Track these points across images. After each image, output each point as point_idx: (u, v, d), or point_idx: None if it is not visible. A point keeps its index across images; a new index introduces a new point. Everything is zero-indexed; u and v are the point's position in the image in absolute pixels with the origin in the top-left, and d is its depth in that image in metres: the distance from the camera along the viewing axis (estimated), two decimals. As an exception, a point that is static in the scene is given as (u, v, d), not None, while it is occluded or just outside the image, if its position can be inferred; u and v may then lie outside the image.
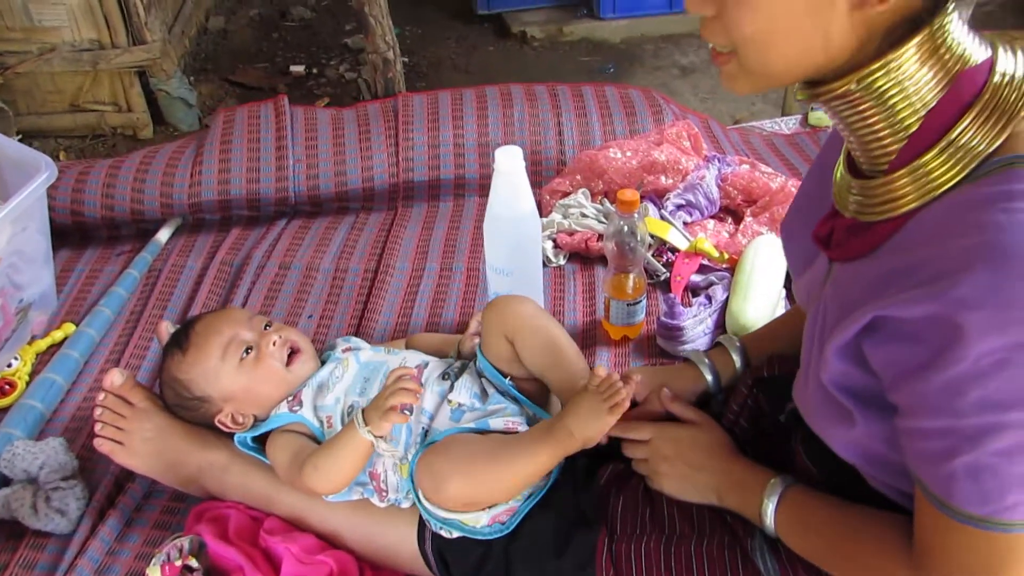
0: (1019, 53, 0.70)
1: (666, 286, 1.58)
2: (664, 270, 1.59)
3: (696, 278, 1.57)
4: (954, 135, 0.68)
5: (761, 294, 1.45)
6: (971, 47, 0.69)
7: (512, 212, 1.33)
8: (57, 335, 1.53)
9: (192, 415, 1.16)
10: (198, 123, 3.27)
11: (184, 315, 1.58)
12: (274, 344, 1.13)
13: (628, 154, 1.76)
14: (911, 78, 0.68)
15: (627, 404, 0.95)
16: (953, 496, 0.67)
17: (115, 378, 1.19)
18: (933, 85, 0.68)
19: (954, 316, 0.62)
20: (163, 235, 1.81)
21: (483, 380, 1.10)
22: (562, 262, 1.65)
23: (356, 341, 1.23)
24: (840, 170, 0.81)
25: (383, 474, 1.06)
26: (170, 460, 1.17)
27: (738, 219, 1.74)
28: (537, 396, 1.10)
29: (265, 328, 1.16)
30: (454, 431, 1.01)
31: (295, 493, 1.12)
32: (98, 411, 1.18)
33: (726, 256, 1.58)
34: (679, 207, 1.69)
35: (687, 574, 0.94)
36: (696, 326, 1.42)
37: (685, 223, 1.69)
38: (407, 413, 1.01)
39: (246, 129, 1.85)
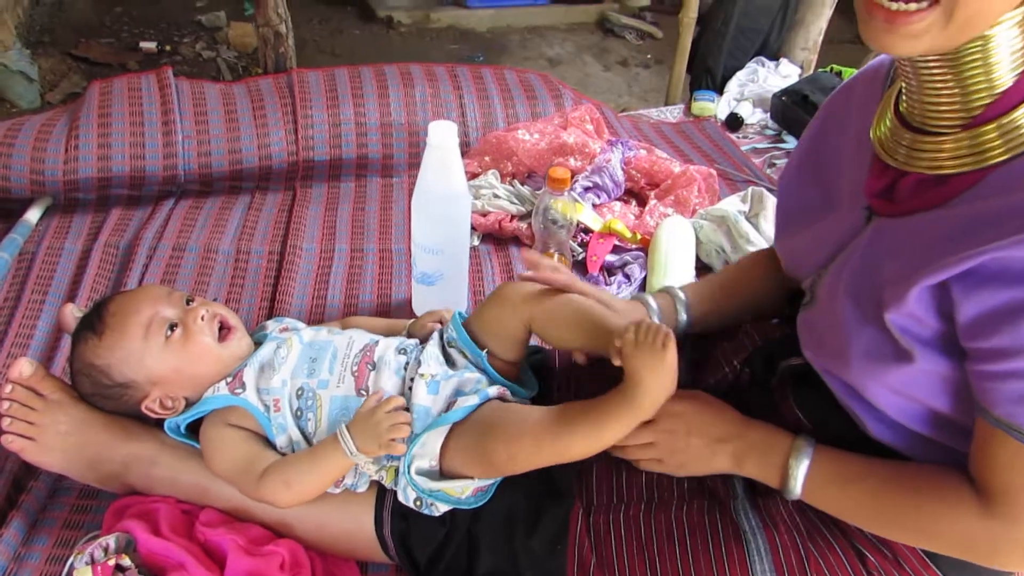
0: None
1: (581, 266, 1.59)
2: (580, 249, 1.60)
3: (610, 258, 1.60)
4: None
5: (678, 271, 1.49)
6: None
7: (444, 189, 1.30)
8: (-82, 324, 1.36)
9: (114, 404, 1.06)
10: (39, 100, 3.00)
11: (70, 300, 1.44)
12: (202, 319, 1.05)
13: (536, 136, 1.77)
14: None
15: (671, 336, 0.86)
16: None
17: (23, 368, 1.06)
18: None
19: None
20: (32, 215, 1.64)
21: (452, 350, 1.07)
22: (476, 243, 1.63)
23: (291, 321, 1.16)
24: (884, 127, 0.82)
25: None
26: (90, 455, 1.06)
27: (641, 201, 1.78)
28: (506, 373, 1.07)
29: (188, 304, 1.07)
30: (470, 408, 0.96)
31: (234, 483, 1.04)
32: (4, 405, 1.05)
33: (638, 236, 1.62)
34: (587, 189, 1.72)
35: (668, 541, 0.94)
36: (618, 303, 1.45)
37: (594, 205, 1.71)
38: (403, 443, 0.96)
39: (127, 101, 1.71)
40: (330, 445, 0.97)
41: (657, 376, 0.85)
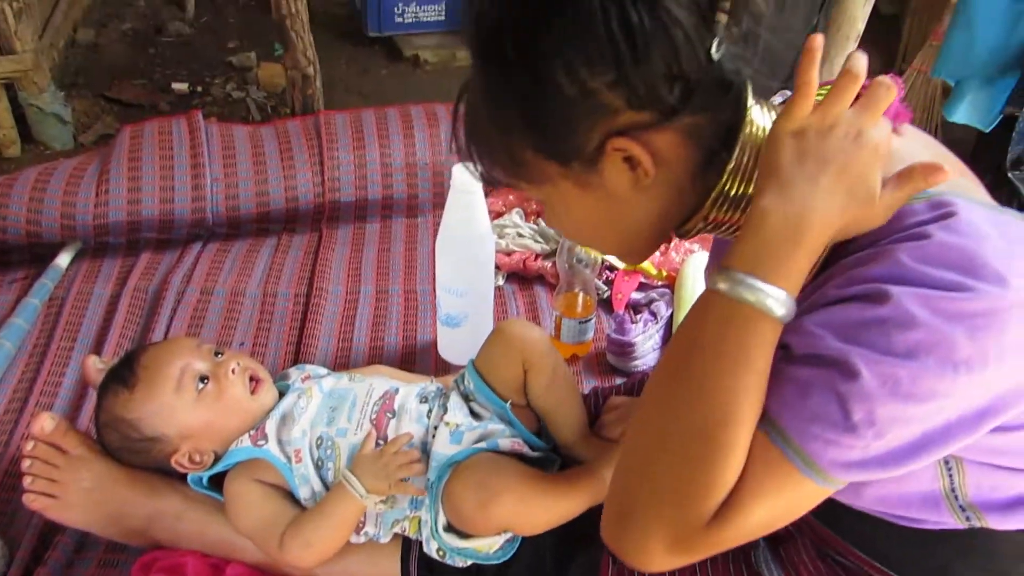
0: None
1: (607, 305, 1.58)
2: (605, 288, 1.59)
3: (636, 295, 1.58)
4: None
5: (706, 310, 1.46)
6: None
7: (468, 232, 1.29)
8: (-50, 372, 1.37)
9: (141, 459, 1.05)
10: (72, 141, 3.05)
11: (98, 347, 1.45)
12: (233, 371, 1.05)
13: (561, 174, 1.76)
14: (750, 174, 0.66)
15: None
16: None
17: (45, 424, 1.06)
18: None
19: None
20: (63, 260, 1.66)
21: (472, 404, 1.06)
22: (501, 282, 1.62)
23: (313, 368, 1.16)
24: None
25: None
26: (114, 511, 1.06)
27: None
28: (529, 426, 1.06)
29: (216, 356, 1.07)
30: (472, 451, 0.96)
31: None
32: (26, 463, 1.05)
33: (664, 273, 1.60)
34: (613, 226, 1.70)
35: None
36: (645, 342, 1.43)
37: (620, 242, 1.69)
38: (412, 483, 0.98)
39: (156, 145, 1.73)
40: (338, 492, 0.97)
41: None
